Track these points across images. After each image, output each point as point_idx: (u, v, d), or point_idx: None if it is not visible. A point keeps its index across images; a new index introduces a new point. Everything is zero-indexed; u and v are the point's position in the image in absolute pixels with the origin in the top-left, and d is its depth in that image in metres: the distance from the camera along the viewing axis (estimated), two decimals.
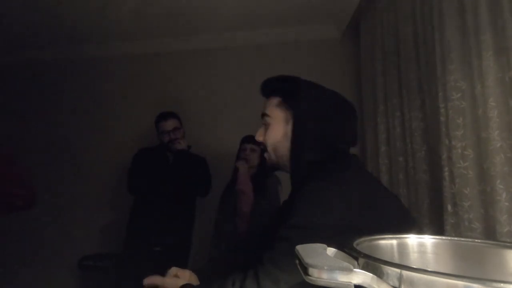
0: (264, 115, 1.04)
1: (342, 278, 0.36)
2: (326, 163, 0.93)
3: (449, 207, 1.45)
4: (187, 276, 1.01)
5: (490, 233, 1.27)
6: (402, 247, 0.53)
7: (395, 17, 2.07)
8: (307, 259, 0.38)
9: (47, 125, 3.26)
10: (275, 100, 1.03)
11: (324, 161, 0.94)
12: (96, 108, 3.26)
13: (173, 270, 1.01)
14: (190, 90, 3.19)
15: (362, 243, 0.48)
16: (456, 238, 0.54)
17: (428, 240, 0.53)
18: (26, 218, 2.69)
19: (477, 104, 1.34)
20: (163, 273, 0.99)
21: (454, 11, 1.46)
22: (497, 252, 0.49)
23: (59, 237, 3.06)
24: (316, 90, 1.01)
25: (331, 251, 0.46)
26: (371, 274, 0.36)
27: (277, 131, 1.01)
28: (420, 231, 0.88)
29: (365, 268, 0.38)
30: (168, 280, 0.97)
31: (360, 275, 0.37)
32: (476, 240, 0.52)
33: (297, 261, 0.41)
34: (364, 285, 0.36)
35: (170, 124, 2.36)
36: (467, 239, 0.53)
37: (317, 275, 0.37)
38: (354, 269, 0.37)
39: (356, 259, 0.40)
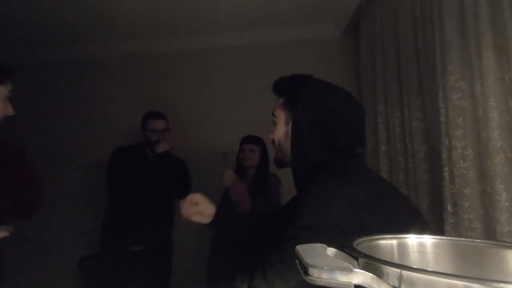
0: (272, 114, 1.10)
1: (342, 278, 0.36)
2: (333, 164, 0.93)
3: (449, 207, 1.45)
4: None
5: (490, 233, 1.27)
6: (402, 247, 0.53)
7: (395, 17, 2.07)
8: (307, 259, 0.38)
9: (39, 125, 3.26)
10: (280, 101, 1.08)
11: (330, 161, 0.94)
12: (87, 107, 3.27)
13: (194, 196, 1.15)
14: (189, 90, 3.19)
15: (362, 243, 0.48)
16: (456, 238, 0.54)
17: (428, 240, 0.53)
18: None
19: (477, 104, 1.34)
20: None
21: (454, 11, 1.46)
22: (497, 252, 0.49)
23: (59, 237, 3.06)
24: (321, 92, 0.99)
25: (331, 251, 0.46)
26: (371, 274, 0.36)
27: (281, 130, 1.06)
28: (429, 232, 0.88)
29: (365, 268, 0.38)
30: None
31: (360, 275, 0.37)
32: (476, 240, 0.52)
33: (297, 261, 0.41)
34: (364, 285, 0.36)
35: (161, 123, 2.35)
36: (467, 239, 0.53)
37: (317, 275, 0.37)
38: (354, 269, 0.37)
39: (356, 259, 0.40)
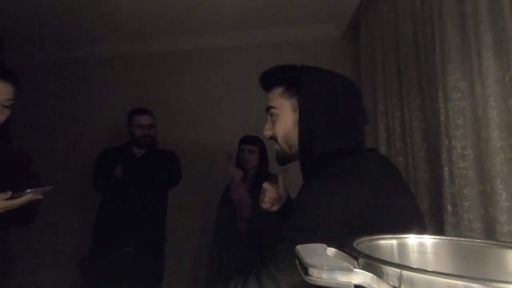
0: (269, 108, 1.02)
1: (342, 278, 0.36)
2: (334, 160, 0.89)
3: (449, 207, 1.45)
4: None
5: (490, 233, 1.27)
6: (402, 247, 0.53)
7: (395, 17, 2.07)
8: (307, 259, 0.38)
9: (34, 125, 3.26)
10: (278, 91, 1.01)
11: (335, 155, 0.90)
12: (82, 107, 3.27)
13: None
14: (188, 90, 3.19)
15: (362, 243, 0.48)
16: (456, 238, 0.54)
17: (428, 240, 0.53)
18: None
19: (477, 104, 1.34)
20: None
21: (454, 11, 1.46)
22: (497, 252, 0.49)
23: (59, 237, 3.06)
24: (318, 73, 0.99)
25: (331, 251, 0.46)
26: (371, 274, 0.36)
27: (286, 120, 0.99)
28: (429, 232, 0.87)
29: (365, 268, 0.38)
30: None
31: (360, 275, 0.37)
32: (476, 240, 0.52)
33: (297, 261, 0.41)
34: (364, 285, 0.36)
35: (146, 119, 2.36)
36: (467, 239, 0.53)
37: (317, 275, 0.37)
38: (354, 269, 0.37)
39: (356, 259, 0.40)
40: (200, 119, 3.11)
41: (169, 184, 2.40)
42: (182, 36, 3.16)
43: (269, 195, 1.15)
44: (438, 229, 1.57)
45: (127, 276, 2.20)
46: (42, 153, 3.17)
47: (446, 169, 1.47)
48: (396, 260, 0.51)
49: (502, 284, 0.30)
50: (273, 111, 1.01)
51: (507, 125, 1.25)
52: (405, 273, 0.34)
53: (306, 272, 0.37)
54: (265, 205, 1.16)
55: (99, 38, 3.19)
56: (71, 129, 3.26)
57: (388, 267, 0.35)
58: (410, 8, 1.89)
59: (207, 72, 3.19)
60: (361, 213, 0.80)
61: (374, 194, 0.83)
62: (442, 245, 0.53)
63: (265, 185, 1.15)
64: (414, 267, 0.34)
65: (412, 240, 0.53)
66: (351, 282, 0.36)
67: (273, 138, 1.04)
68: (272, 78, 1.04)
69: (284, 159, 1.05)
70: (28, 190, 1.21)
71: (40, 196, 1.25)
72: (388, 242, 0.53)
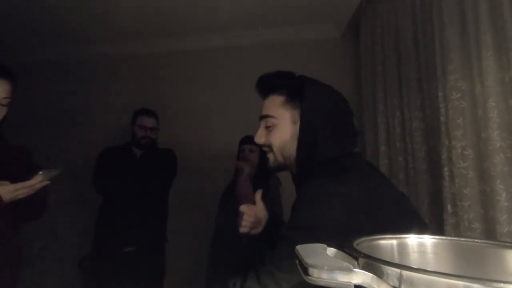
0: (266, 116, 0.99)
1: (342, 278, 0.36)
2: (332, 162, 0.90)
3: (449, 207, 1.45)
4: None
5: (490, 233, 1.27)
6: (402, 247, 0.53)
7: (395, 17, 2.07)
8: (307, 259, 0.38)
9: (33, 124, 3.26)
10: (278, 100, 0.98)
11: (330, 160, 0.90)
12: (83, 107, 3.27)
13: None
14: (188, 90, 3.19)
15: (362, 243, 0.48)
16: (456, 238, 0.54)
17: (428, 240, 0.53)
18: None
19: (477, 104, 1.34)
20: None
21: (454, 11, 1.46)
22: (497, 252, 0.49)
23: (59, 237, 3.06)
24: (317, 85, 0.98)
25: (331, 251, 0.46)
26: (371, 274, 0.36)
27: (285, 132, 0.96)
28: (429, 232, 0.87)
29: (365, 268, 0.38)
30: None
31: (360, 275, 0.37)
32: (476, 240, 0.52)
33: (297, 261, 0.41)
34: (364, 285, 0.36)
35: (150, 121, 2.37)
36: (467, 239, 0.53)
37: (317, 275, 0.37)
38: (354, 269, 0.37)
39: (356, 259, 0.40)
40: (200, 119, 3.11)
41: (165, 179, 2.40)
42: (182, 36, 3.16)
43: (247, 219, 1.07)
44: (438, 229, 1.57)
45: (128, 276, 2.20)
46: (42, 153, 3.17)
47: (446, 169, 1.48)
48: (396, 260, 0.51)
49: (502, 284, 0.30)
50: (272, 120, 0.98)
51: (507, 125, 1.25)
52: (405, 273, 0.34)
53: (306, 272, 0.37)
54: (243, 229, 1.08)
55: (99, 38, 3.19)
56: (71, 129, 3.26)
57: (388, 267, 0.35)
58: (410, 8, 1.89)
59: (207, 72, 3.19)
60: (361, 211, 0.80)
61: (370, 189, 0.85)
62: (442, 245, 0.53)
63: (243, 208, 1.08)
64: (414, 267, 0.34)
65: (412, 240, 0.53)
66: (351, 282, 0.36)
67: (267, 146, 1.01)
68: (272, 85, 1.00)
69: (276, 168, 1.02)
70: (40, 172, 1.22)
71: (48, 182, 1.27)
72: (388, 242, 0.53)
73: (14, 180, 1.21)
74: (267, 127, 1.00)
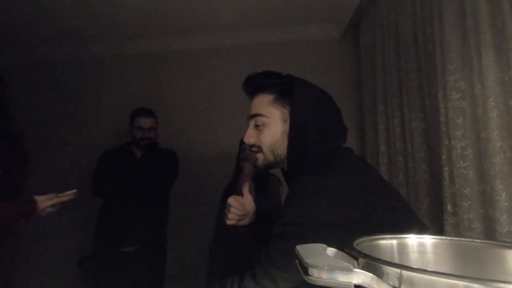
0: (256, 115, 0.99)
1: (342, 278, 0.36)
2: (321, 158, 0.90)
3: (449, 207, 1.45)
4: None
5: (490, 233, 1.27)
6: (402, 247, 0.53)
7: (395, 17, 2.07)
8: (307, 259, 0.38)
9: (33, 124, 3.26)
10: (267, 98, 0.98)
11: (320, 156, 0.91)
12: (83, 107, 3.27)
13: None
14: (188, 90, 3.19)
15: (362, 243, 0.48)
16: (456, 238, 0.54)
17: (428, 240, 0.53)
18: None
19: (477, 104, 1.34)
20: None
21: (454, 11, 1.46)
22: (497, 252, 0.49)
23: (59, 237, 3.06)
24: (305, 84, 0.99)
25: (331, 251, 0.46)
26: (371, 274, 0.37)
27: (275, 130, 0.97)
28: (421, 227, 0.87)
29: (365, 268, 0.38)
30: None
31: (360, 275, 0.37)
32: (476, 240, 0.52)
33: (297, 261, 0.41)
34: (364, 285, 0.36)
35: (148, 122, 2.36)
36: (467, 239, 0.53)
37: (317, 275, 0.37)
38: (354, 269, 0.37)
39: (356, 259, 0.40)
40: (200, 119, 3.11)
41: (166, 181, 2.40)
42: (182, 36, 3.16)
43: (234, 212, 1.07)
44: (438, 229, 1.57)
45: (129, 276, 2.20)
46: (42, 153, 3.18)
47: (446, 169, 1.48)
48: (396, 260, 0.51)
49: (502, 284, 0.30)
50: (262, 119, 0.98)
51: (507, 125, 1.25)
52: (405, 273, 0.34)
53: (306, 272, 0.37)
54: (229, 221, 1.08)
55: (99, 38, 3.19)
56: (71, 129, 3.26)
57: (388, 267, 0.35)
58: (410, 8, 1.89)
59: (207, 72, 3.19)
60: (352, 202, 0.80)
61: (361, 183, 0.85)
62: (442, 245, 0.53)
63: (230, 199, 1.07)
64: (414, 267, 0.34)
65: (412, 240, 0.53)
66: (351, 282, 0.36)
67: (256, 146, 1.00)
68: (260, 84, 1.00)
69: (265, 167, 1.02)
70: (74, 190, 1.46)
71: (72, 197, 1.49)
72: (388, 242, 0.53)
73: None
74: (257, 126, 1.00)
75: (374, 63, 2.40)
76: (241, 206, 1.08)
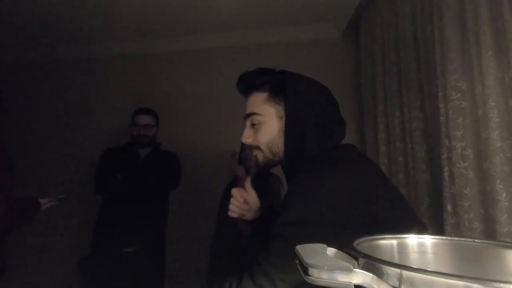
0: (252, 114, 0.98)
1: (342, 278, 0.36)
2: (323, 155, 0.89)
3: (449, 207, 1.45)
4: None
5: (490, 233, 1.27)
6: (402, 247, 0.53)
7: (395, 17, 2.07)
8: (307, 259, 0.38)
9: (33, 124, 3.26)
10: (261, 96, 0.98)
11: (318, 153, 0.90)
12: (84, 106, 3.27)
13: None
14: (189, 90, 3.19)
15: (362, 243, 0.48)
16: (456, 238, 0.54)
17: (428, 240, 0.53)
18: None
19: (477, 104, 1.34)
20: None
21: (454, 11, 1.46)
22: (497, 252, 0.49)
23: (59, 237, 3.06)
24: (300, 78, 0.97)
25: (331, 251, 0.46)
26: (371, 274, 0.36)
27: (271, 128, 0.96)
28: (421, 227, 0.86)
29: (365, 268, 0.38)
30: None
31: (360, 275, 0.37)
32: (476, 240, 0.52)
33: (297, 261, 0.41)
34: (364, 285, 0.36)
35: (143, 119, 2.37)
36: (467, 239, 0.53)
37: (317, 275, 0.37)
38: (354, 269, 0.37)
39: (356, 259, 0.40)
40: (200, 119, 3.11)
41: (169, 186, 2.41)
42: (182, 36, 3.16)
43: (234, 202, 1.07)
44: (438, 229, 1.57)
45: (128, 276, 2.20)
46: (42, 153, 3.18)
47: (446, 169, 1.48)
48: (396, 260, 0.51)
49: (502, 284, 0.30)
50: (257, 118, 0.97)
51: (507, 125, 1.25)
52: (405, 273, 0.34)
53: (306, 272, 0.37)
54: (232, 213, 1.08)
55: (99, 38, 3.19)
56: (71, 129, 3.26)
57: (388, 267, 0.35)
58: (410, 8, 1.89)
59: (207, 72, 3.19)
60: (352, 201, 0.79)
61: (361, 182, 0.83)
62: (442, 245, 0.53)
63: (233, 190, 1.08)
64: (414, 267, 0.34)
65: (412, 240, 0.53)
66: (351, 282, 0.36)
67: (254, 146, 1.00)
68: (253, 82, 1.00)
69: (265, 165, 1.01)
70: (61, 196, 1.58)
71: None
72: (388, 242, 0.52)
73: None
74: (253, 125, 0.99)
75: (374, 63, 2.40)
76: (242, 199, 1.08)
